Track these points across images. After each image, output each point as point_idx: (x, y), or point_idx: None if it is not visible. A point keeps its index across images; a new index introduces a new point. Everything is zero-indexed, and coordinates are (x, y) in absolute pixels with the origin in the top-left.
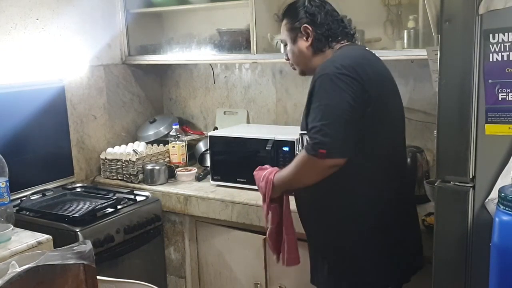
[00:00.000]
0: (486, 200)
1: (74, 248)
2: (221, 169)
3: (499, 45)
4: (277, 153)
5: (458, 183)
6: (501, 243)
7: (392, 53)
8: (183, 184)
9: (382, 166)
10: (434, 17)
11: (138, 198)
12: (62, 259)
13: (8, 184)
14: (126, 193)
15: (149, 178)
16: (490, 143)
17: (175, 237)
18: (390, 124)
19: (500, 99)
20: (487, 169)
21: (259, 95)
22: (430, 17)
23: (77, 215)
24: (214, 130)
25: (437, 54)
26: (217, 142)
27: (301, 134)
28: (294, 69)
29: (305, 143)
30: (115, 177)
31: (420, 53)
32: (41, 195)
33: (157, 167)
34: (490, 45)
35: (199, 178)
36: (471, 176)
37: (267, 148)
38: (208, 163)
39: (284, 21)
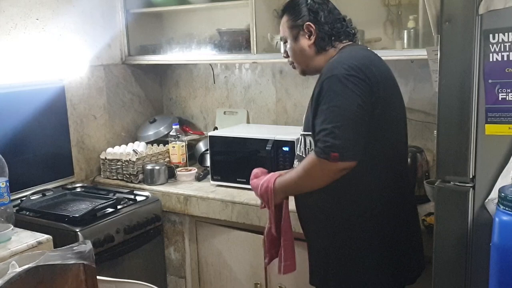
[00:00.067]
0: (486, 200)
1: (74, 248)
2: (221, 169)
3: (499, 45)
4: (277, 153)
5: (458, 183)
6: (501, 243)
7: (392, 53)
8: (183, 184)
9: (386, 167)
10: (434, 17)
11: (138, 198)
12: (62, 259)
13: (8, 184)
14: (126, 193)
15: (149, 178)
16: (490, 143)
17: (175, 237)
18: (395, 124)
19: (500, 99)
20: (487, 169)
21: (259, 95)
22: (430, 17)
23: (77, 215)
24: (214, 130)
25: (437, 54)
26: (217, 142)
27: (303, 135)
28: (294, 67)
29: (307, 144)
30: (115, 177)
31: (420, 53)
32: (41, 195)
33: (157, 167)
34: (490, 45)
35: (199, 178)
36: (471, 176)
37: (267, 148)
38: (208, 163)
39: (285, 18)
